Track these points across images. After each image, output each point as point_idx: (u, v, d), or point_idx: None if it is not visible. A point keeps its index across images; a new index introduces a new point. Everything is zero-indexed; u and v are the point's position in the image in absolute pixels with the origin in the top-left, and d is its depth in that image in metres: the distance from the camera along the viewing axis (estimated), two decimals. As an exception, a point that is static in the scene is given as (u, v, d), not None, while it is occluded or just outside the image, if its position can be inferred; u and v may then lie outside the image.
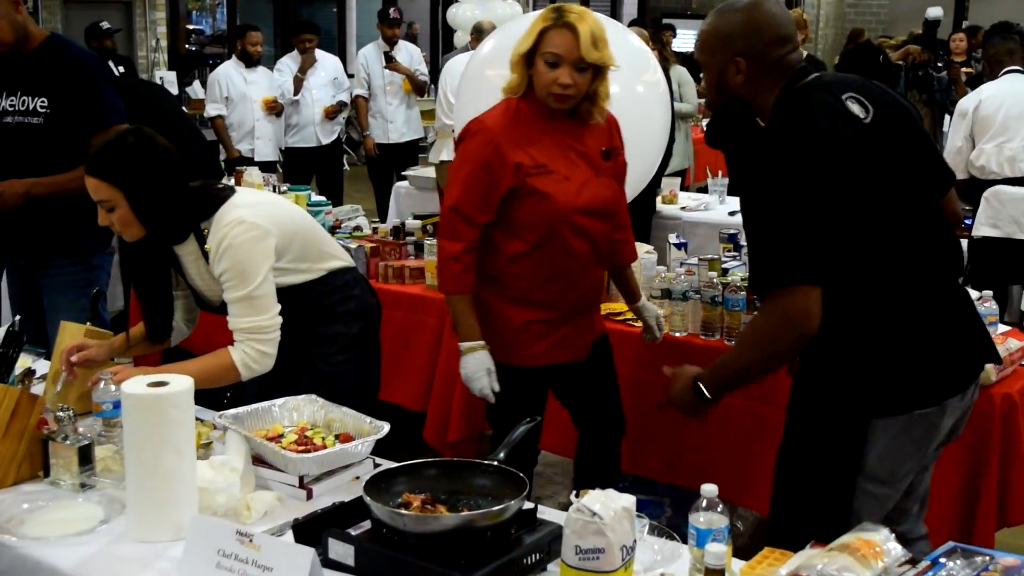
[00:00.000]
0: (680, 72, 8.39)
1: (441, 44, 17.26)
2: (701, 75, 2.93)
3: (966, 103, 6.08)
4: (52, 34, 4.23)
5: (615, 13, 17.42)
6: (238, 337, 2.94)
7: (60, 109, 4.00)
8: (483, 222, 3.26)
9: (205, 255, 2.93)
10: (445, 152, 7.19)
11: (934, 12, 13.64)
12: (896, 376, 2.55)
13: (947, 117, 8.43)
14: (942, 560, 1.94)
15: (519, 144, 3.24)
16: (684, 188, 7.70)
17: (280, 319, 2.97)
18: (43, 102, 4.01)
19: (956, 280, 2.71)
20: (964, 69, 10.60)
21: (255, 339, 2.92)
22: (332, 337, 3.18)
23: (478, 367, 3.27)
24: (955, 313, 2.66)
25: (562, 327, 3.40)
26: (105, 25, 7.46)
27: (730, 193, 6.81)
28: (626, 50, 4.87)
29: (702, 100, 8.37)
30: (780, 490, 2.71)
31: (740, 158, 7.49)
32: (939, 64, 10.83)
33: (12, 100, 4.06)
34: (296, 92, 8.78)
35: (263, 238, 2.93)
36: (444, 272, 3.33)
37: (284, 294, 3.03)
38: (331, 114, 8.97)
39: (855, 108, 2.57)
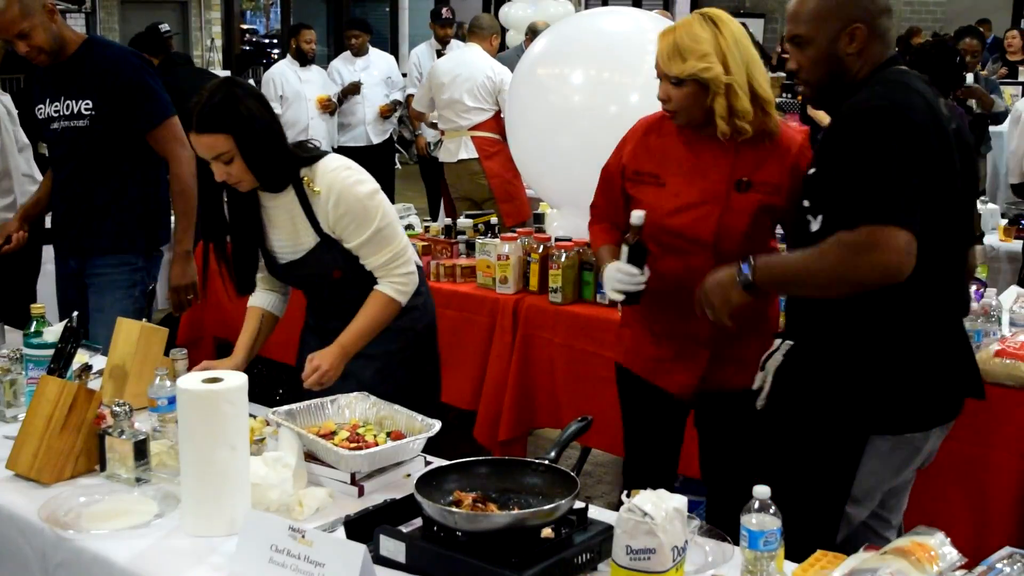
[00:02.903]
0: None
1: (493, 43, 17.27)
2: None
3: (1021, 106, 6.01)
4: (89, 37, 4.27)
5: (668, 10, 17.36)
6: (380, 273, 3.09)
7: (106, 109, 4.04)
8: (615, 221, 3.20)
9: (304, 202, 3.02)
10: (463, 151, 7.25)
11: None
12: (899, 395, 2.52)
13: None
14: (998, 565, 1.91)
15: (643, 150, 3.10)
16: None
17: (407, 239, 3.16)
18: (87, 104, 4.04)
19: (962, 320, 2.65)
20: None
21: (395, 268, 3.08)
22: (399, 331, 3.20)
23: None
24: (957, 346, 2.61)
25: (666, 350, 3.12)
26: (164, 28, 7.56)
27: None
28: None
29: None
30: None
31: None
32: (988, 64, 10.70)
33: (56, 106, 4.09)
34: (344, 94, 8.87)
35: (371, 182, 3.08)
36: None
37: (363, 280, 3.11)
38: (386, 113, 9.01)
39: (945, 111, 2.51)
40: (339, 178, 3.01)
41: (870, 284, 2.38)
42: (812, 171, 2.57)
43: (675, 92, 2.96)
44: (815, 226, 2.50)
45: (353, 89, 8.84)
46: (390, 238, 3.08)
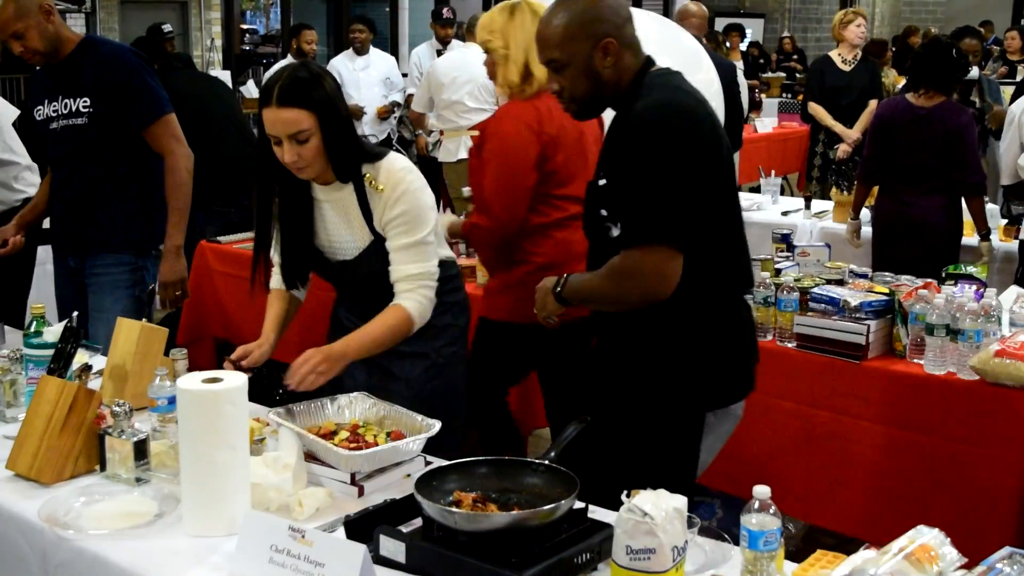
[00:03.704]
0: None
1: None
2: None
3: (1016, 108, 6.01)
4: (87, 36, 4.27)
5: (667, 11, 17.35)
6: (407, 285, 2.97)
7: (103, 106, 4.04)
8: None
9: (361, 198, 2.96)
10: (463, 151, 7.24)
11: None
12: (722, 370, 2.72)
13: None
14: (998, 565, 1.91)
15: None
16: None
17: (438, 270, 3.05)
18: (86, 102, 4.05)
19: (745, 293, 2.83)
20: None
21: (424, 285, 2.99)
22: (443, 328, 3.16)
23: None
24: (749, 318, 2.84)
25: None
26: (166, 28, 7.58)
27: None
28: (676, 48, 4.85)
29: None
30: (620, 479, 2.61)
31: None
32: (989, 63, 10.73)
33: (55, 106, 4.10)
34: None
35: (431, 195, 3.03)
36: None
37: None
38: (384, 114, 9.01)
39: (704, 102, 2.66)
40: (406, 179, 2.95)
41: (638, 305, 2.62)
42: (603, 181, 2.65)
43: (486, 59, 3.77)
44: (615, 232, 2.63)
45: (355, 113, 8.88)
46: (430, 255, 3.01)
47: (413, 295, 2.97)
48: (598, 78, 2.63)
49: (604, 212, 2.64)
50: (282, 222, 3.10)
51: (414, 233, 2.96)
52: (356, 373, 3.10)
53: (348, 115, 2.96)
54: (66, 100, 4.07)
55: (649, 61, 2.72)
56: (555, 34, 2.63)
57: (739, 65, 8.86)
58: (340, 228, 3.05)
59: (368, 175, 2.95)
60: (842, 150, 8.01)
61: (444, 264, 3.15)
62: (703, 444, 2.74)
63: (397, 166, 2.97)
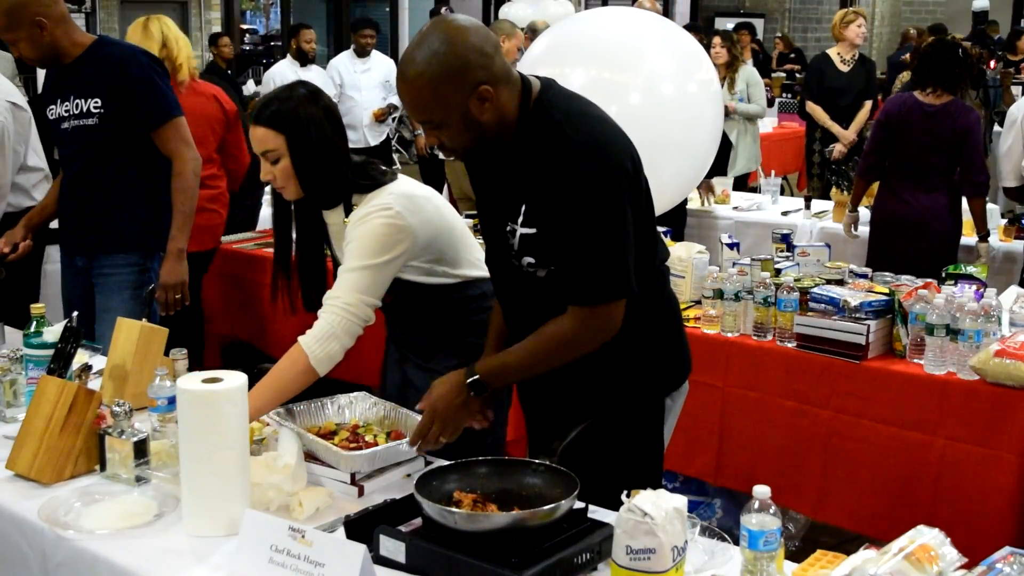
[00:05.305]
0: (749, 72, 8.29)
1: (493, 43, 17.26)
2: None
3: (1015, 110, 6.02)
4: (99, 37, 4.28)
5: (667, 11, 17.36)
6: (327, 304, 2.78)
7: (114, 107, 4.05)
8: None
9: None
10: None
11: (980, 3, 13.52)
12: (672, 355, 2.72)
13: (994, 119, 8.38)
14: (998, 565, 1.91)
15: None
16: (750, 191, 7.71)
17: (372, 318, 2.83)
18: (96, 103, 4.05)
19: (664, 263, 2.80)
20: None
21: (332, 310, 2.76)
22: (461, 347, 3.05)
23: None
24: (671, 291, 2.81)
25: None
26: None
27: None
28: (676, 49, 4.85)
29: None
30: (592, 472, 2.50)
31: None
32: (992, 61, 10.74)
33: (67, 106, 4.10)
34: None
35: (402, 231, 2.84)
36: None
37: (416, 294, 3.00)
38: (380, 118, 9.01)
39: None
40: (372, 214, 2.82)
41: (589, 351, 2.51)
42: (529, 230, 2.48)
43: None
44: (542, 273, 2.52)
45: None
46: (365, 288, 2.79)
47: (322, 317, 2.78)
48: (479, 127, 2.39)
49: (531, 260, 2.51)
50: (298, 243, 3.10)
51: (358, 259, 2.80)
52: (392, 375, 3.13)
53: (331, 144, 2.88)
54: (77, 100, 4.08)
55: (525, 82, 2.49)
56: (422, 96, 2.36)
57: (749, 63, 8.84)
58: (342, 251, 3.00)
59: (356, 204, 2.90)
60: (837, 150, 8.02)
61: (472, 283, 3.07)
62: (667, 426, 2.73)
63: (375, 201, 2.86)
